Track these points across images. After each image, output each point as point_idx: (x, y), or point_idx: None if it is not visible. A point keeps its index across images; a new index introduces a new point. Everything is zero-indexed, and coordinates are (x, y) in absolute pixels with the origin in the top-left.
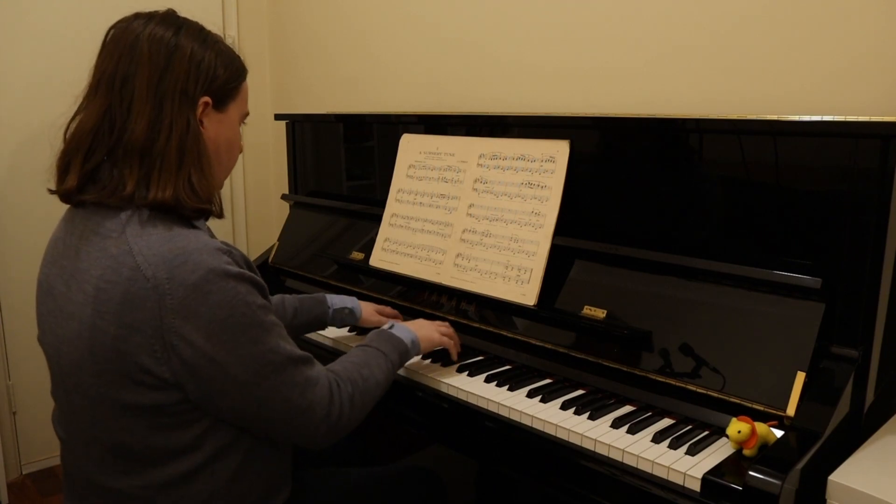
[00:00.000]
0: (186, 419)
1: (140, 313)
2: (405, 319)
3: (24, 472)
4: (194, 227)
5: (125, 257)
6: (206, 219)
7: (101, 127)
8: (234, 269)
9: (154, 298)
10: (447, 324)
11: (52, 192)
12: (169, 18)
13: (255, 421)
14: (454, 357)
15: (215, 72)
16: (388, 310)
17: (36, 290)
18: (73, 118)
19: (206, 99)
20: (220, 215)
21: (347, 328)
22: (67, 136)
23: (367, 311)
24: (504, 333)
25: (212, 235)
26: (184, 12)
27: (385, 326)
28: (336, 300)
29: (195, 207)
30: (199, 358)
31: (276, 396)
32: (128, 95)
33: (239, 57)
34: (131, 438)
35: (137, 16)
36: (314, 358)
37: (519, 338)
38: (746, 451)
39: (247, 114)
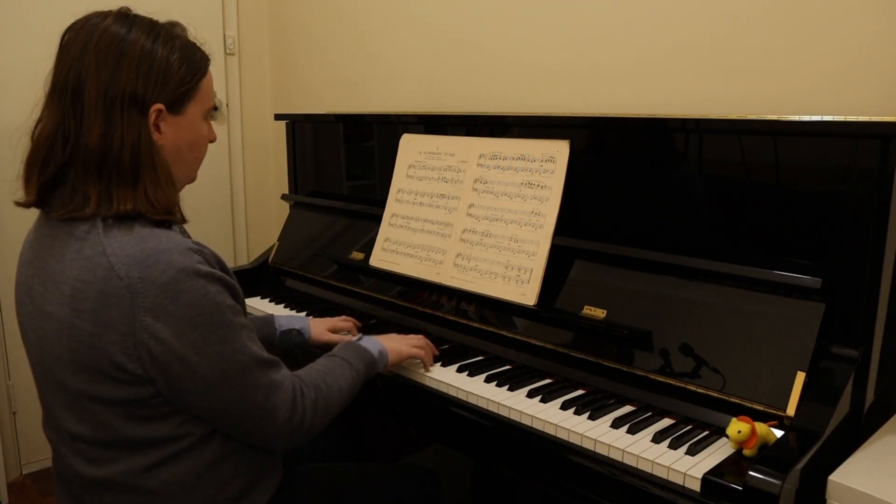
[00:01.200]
0: (165, 411)
1: (114, 311)
2: (403, 320)
3: (24, 472)
4: (167, 226)
5: (99, 258)
6: (168, 226)
7: (55, 138)
8: (205, 268)
9: (127, 297)
10: (420, 336)
11: (17, 204)
12: (121, 17)
13: (221, 419)
14: (428, 367)
15: (167, 73)
16: (340, 324)
17: (15, 293)
18: (36, 125)
19: (159, 107)
20: (183, 221)
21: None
22: (29, 147)
23: (317, 330)
24: (504, 333)
25: (185, 235)
26: (184, 13)
27: (354, 339)
28: (284, 321)
29: (156, 220)
30: (168, 356)
31: (241, 396)
32: (79, 106)
33: (199, 50)
34: (114, 431)
35: (89, 18)
36: (282, 363)
37: (519, 338)
38: (746, 451)
39: (212, 107)
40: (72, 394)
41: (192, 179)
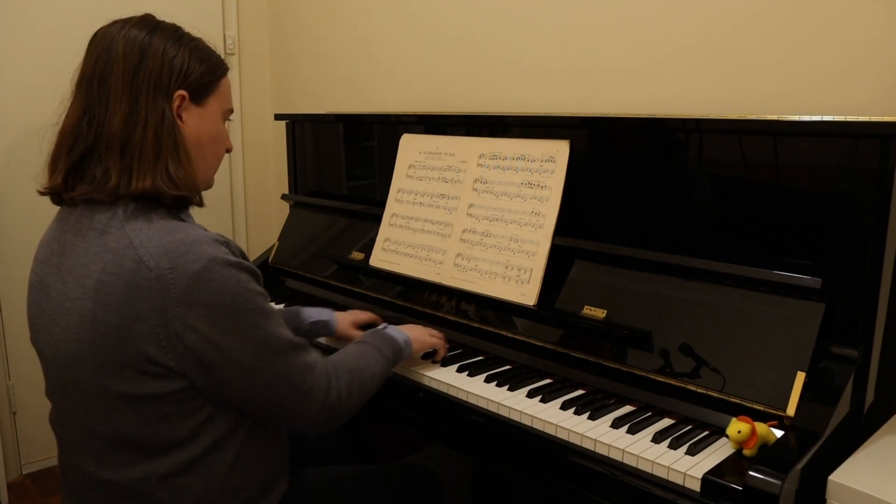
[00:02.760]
0: (186, 408)
1: (144, 303)
2: (403, 320)
3: (24, 472)
4: (185, 221)
5: (126, 250)
6: (187, 208)
7: (80, 124)
8: (233, 258)
9: (158, 288)
10: (437, 331)
11: (41, 192)
12: (145, 21)
13: (258, 404)
14: (439, 357)
15: (189, 67)
16: (364, 319)
17: (28, 291)
18: (63, 119)
19: (182, 92)
20: (200, 204)
21: None
22: (55, 138)
23: (343, 324)
24: (504, 333)
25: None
26: (184, 13)
27: (380, 327)
28: (312, 313)
29: (174, 195)
30: (203, 344)
31: (278, 379)
32: (105, 93)
33: (217, 55)
34: (131, 430)
35: (115, 22)
36: (310, 346)
37: (519, 338)
38: (746, 451)
39: (230, 110)
40: (91, 391)
41: (209, 183)
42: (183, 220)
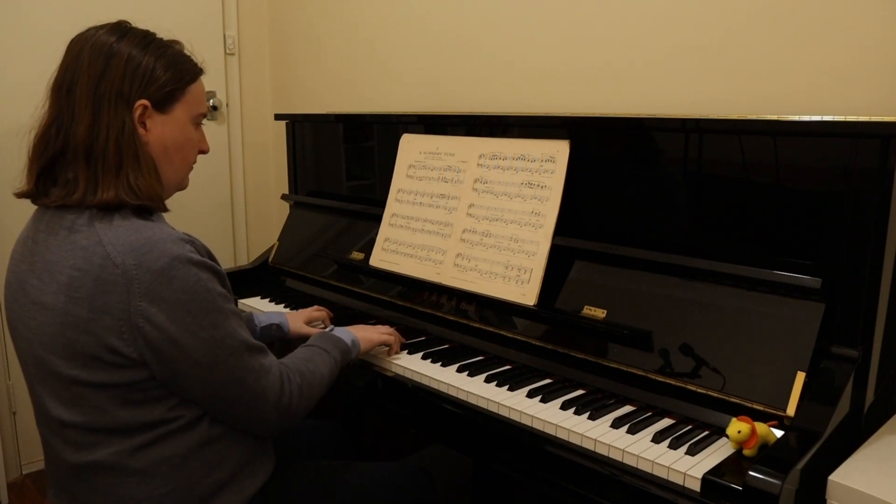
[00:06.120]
0: (157, 395)
1: (110, 297)
2: (403, 320)
3: (23, 472)
4: (153, 221)
5: (96, 247)
6: (151, 214)
7: (49, 132)
8: (197, 256)
9: (123, 283)
10: (388, 327)
11: (16, 195)
12: (116, 27)
13: (213, 402)
14: (395, 352)
15: (152, 74)
16: (314, 314)
17: (5, 290)
18: (39, 124)
19: (144, 102)
20: (164, 210)
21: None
22: (31, 142)
23: (296, 324)
24: (504, 333)
25: (170, 228)
26: (184, 13)
27: (327, 329)
28: (263, 318)
29: (136, 205)
30: (162, 340)
31: (232, 380)
32: (72, 101)
33: (188, 60)
34: (106, 415)
35: (89, 28)
36: (268, 349)
37: (519, 338)
38: (746, 451)
39: (202, 114)
40: (65, 381)
41: (182, 185)
42: (151, 221)
